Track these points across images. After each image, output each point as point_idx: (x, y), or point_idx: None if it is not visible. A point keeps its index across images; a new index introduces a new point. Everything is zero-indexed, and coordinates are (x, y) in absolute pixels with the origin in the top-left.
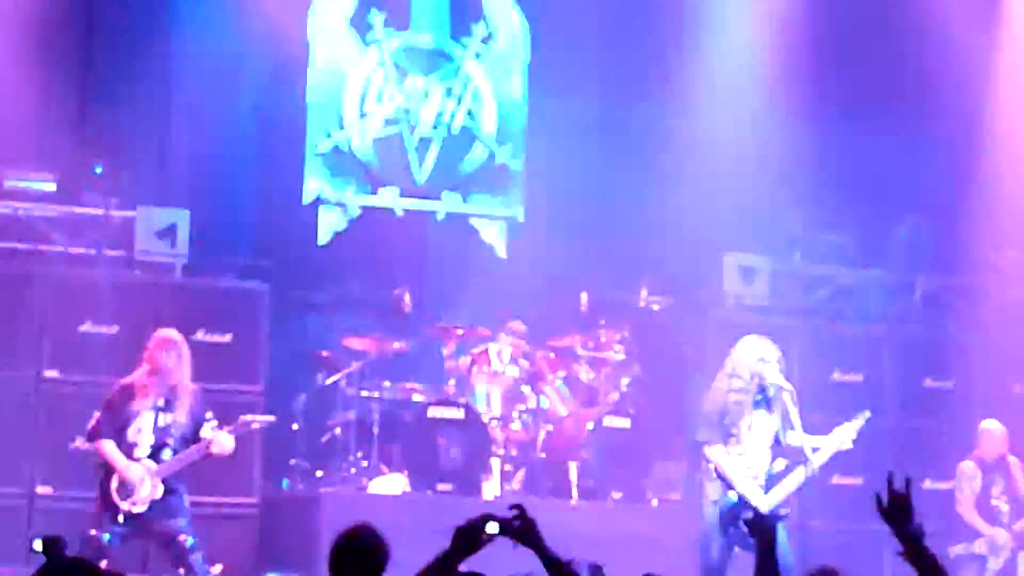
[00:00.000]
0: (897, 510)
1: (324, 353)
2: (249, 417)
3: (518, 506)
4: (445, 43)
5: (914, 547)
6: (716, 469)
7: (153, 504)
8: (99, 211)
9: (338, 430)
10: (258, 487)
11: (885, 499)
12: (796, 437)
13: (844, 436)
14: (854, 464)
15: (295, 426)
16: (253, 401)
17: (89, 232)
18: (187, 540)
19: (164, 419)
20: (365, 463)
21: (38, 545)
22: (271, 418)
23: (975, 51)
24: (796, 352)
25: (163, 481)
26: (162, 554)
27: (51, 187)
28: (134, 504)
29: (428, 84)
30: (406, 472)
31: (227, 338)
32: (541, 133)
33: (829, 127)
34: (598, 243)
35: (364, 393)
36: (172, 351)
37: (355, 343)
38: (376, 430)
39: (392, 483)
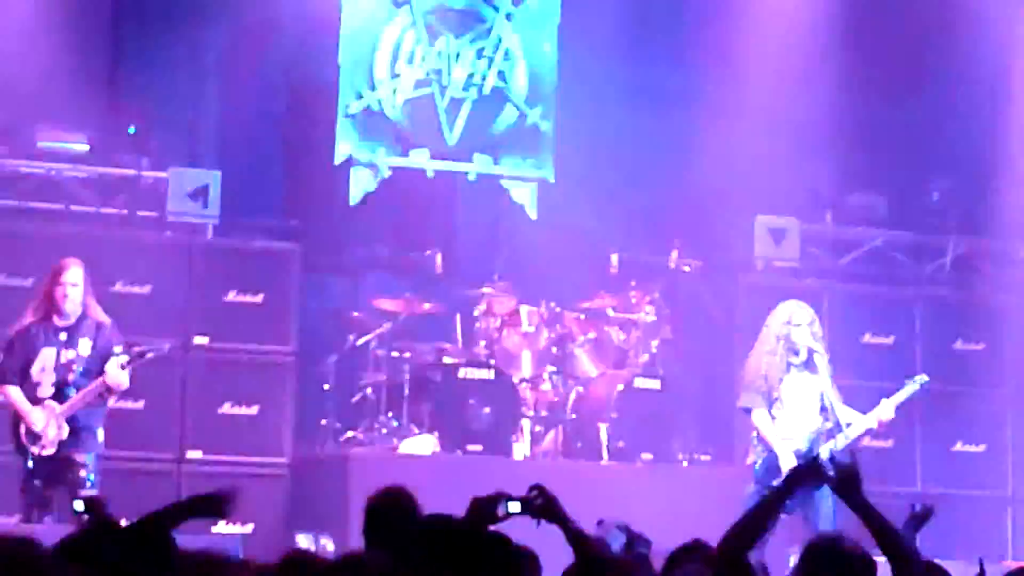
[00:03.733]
0: (846, 482)
1: (355, 314)
2: (142, 348)
3: (538, 486)
4: (477, 4)
5: (867, 515)
6: (757, 433)
7: (61, 444)
8: (131, 172)
9: (369, 391)
10: (288, 447)
11: (834, 474)
12: (836, 408)
13: (885, 410)
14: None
15: (326, 386)
16: (283, 362)
17: (121, 193)
18: (87, 476)
19: (66, 355)
20: (395, 424)
21: (79, 505)
22: (165, 347)
23: (1011, 12)
24: (826, 315)
25: (70, 419)
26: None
27: (84, 148)
28: (43, 448)
29: (459, 45)
30: (436, 433)
31: (258, 299)
32: (572, 94)
33: (861, 88)
34: (629, 205)
35: (394, 354)
36: (65, 283)
37: (385, 304)
38: (406, 391)
39: (422, 444)
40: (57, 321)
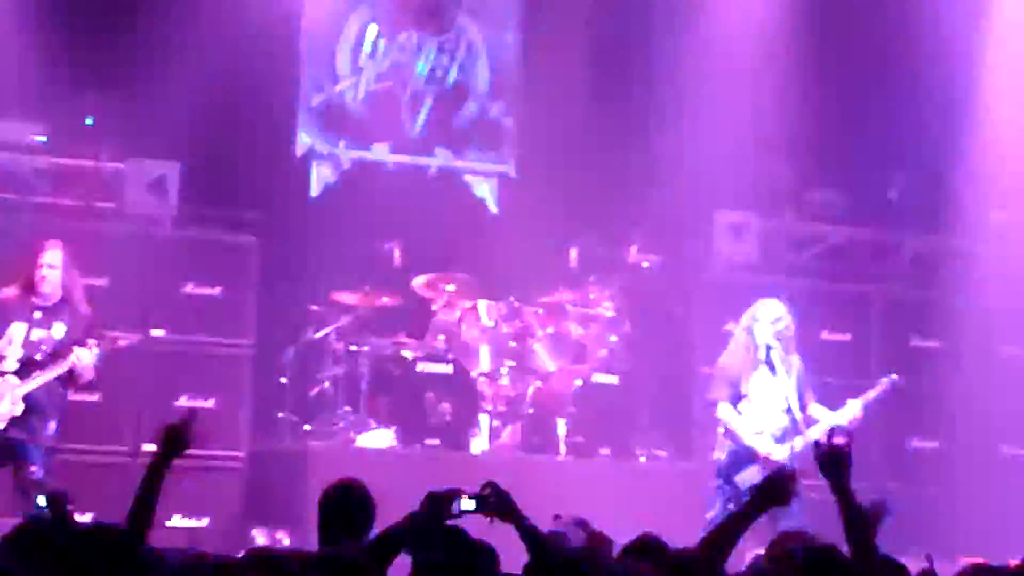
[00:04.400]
0: (834, 462)
1: (313, 307)
2: (115, 334)
3: (491, 483)
4: None
5: (845, 500)
6: (725, 428)
7: (11, 422)
8: (89, 163)
9: (327, 384)
10: (246, 440)
11: (823, 452)
12: (809, 407)
13: (853, 409)
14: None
15: (284, 380)
16: (242, 354)
17: (78, 184)
18: (37, 472)
19: (37, 334)
20: (353, 417)
21: (42, 501)
22: (135, 337)
23: (967, 11)
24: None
25: (26, 398)
26: (6, 470)
27: (41, 138)
28: None
29: (422, 39)
30: (394, 427)
31: (216, 291)
32: (534, 89)
33: (822, 85)
34: (589, 199)
35: (353, 347)
36: (43, 264)
37: (345, 297)
38: (364, 385)
39: (380, 438)
40: (35, 300)
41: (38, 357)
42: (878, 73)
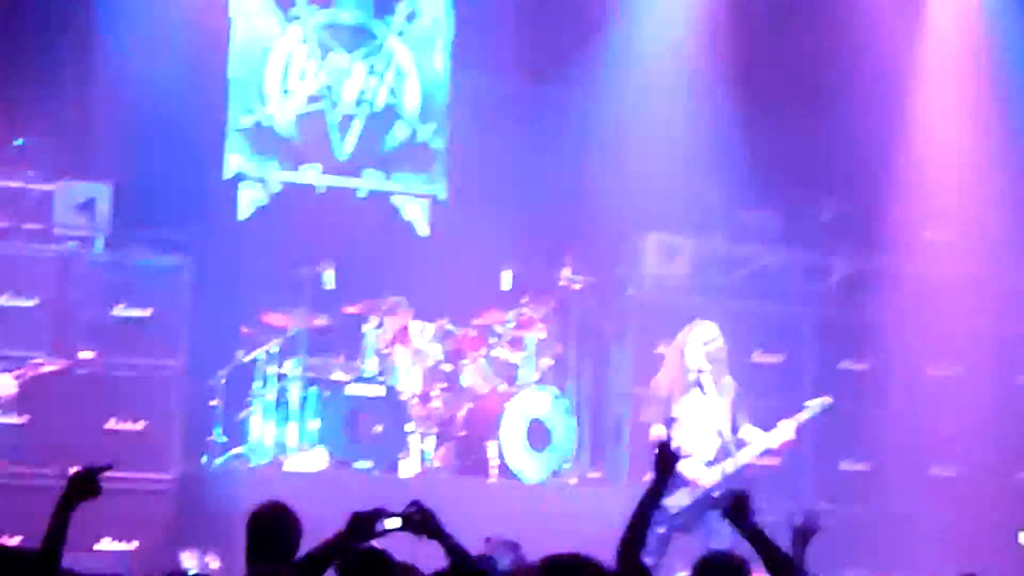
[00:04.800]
0: (737, 509)
1: (244, 329)
2: (39, 360)
3: (416, 502)
4: (368, 20)
5: (757, 539)
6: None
7: None
8: (17, 184)
9: (257, 406)
10: (175, 463)
11: (727, 501)
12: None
13: (786, 430)
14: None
15: (214, 402)
16: (172, 377)
17: (7, 205)
18: None
19: None
20: (284, 440)
21: None
22: (60, 364)
23: (897, 34)
24: None
25: None
26: None
27: None
28: None
29: (351, 61)
30: (325, 449)
31: (147, 312)
32: (464, 111)
33: (754, 107)
34: (520, 221)
35: (283, 370)
36: None
37: (275, 319)
38: (295, 407)
39: (311, 460)
40: None
41: None
42: (809, 95)
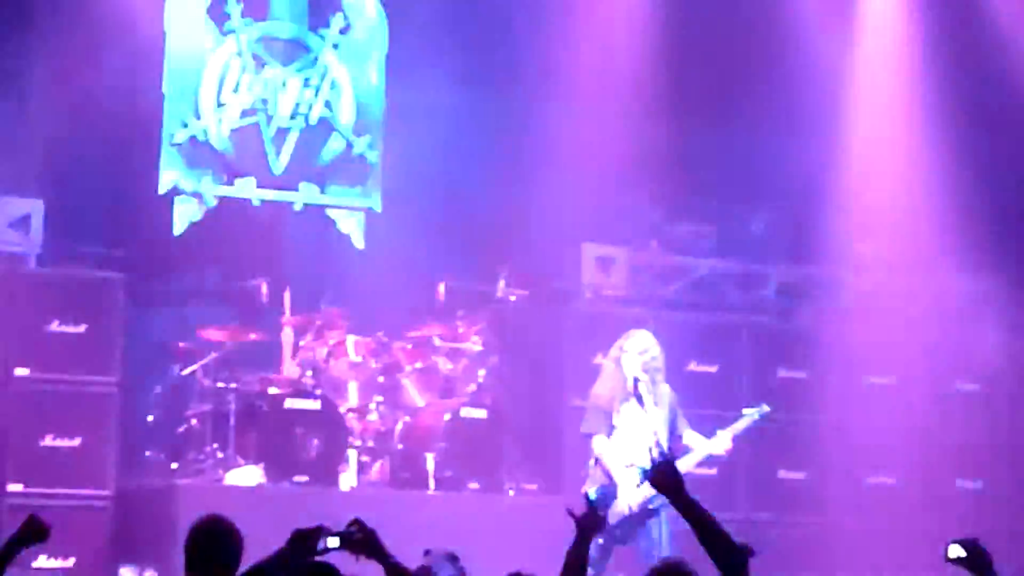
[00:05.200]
0: (664, 479)
1: (180, 344)
2: None
3: (357, 520)
4: (303, 34)
5: (691, 510)
6: (596, 459)
7: None
8: None
9: (194, 421)
10: (112, 479)
11: (651, 475)
12: (685, 437)
13: (724, 439)
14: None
15: (150, 417)
16: (107, 393)
17: None
18: None
19: None
20: (221, 455)
21: None
22: None
23: (831, 46)
24: None
25: None
26: None
27: None
28: None
29: (286, 75)
30: (263, 464)
31: (81, 329)
32: (399, 124)
33: (689, 118)
34: (456, 234)
35: (220, 384)
36: None
37: (211, 334)
38: (232, 421)
39: (249, 475)
40: None
41: None
42: (742, 108)
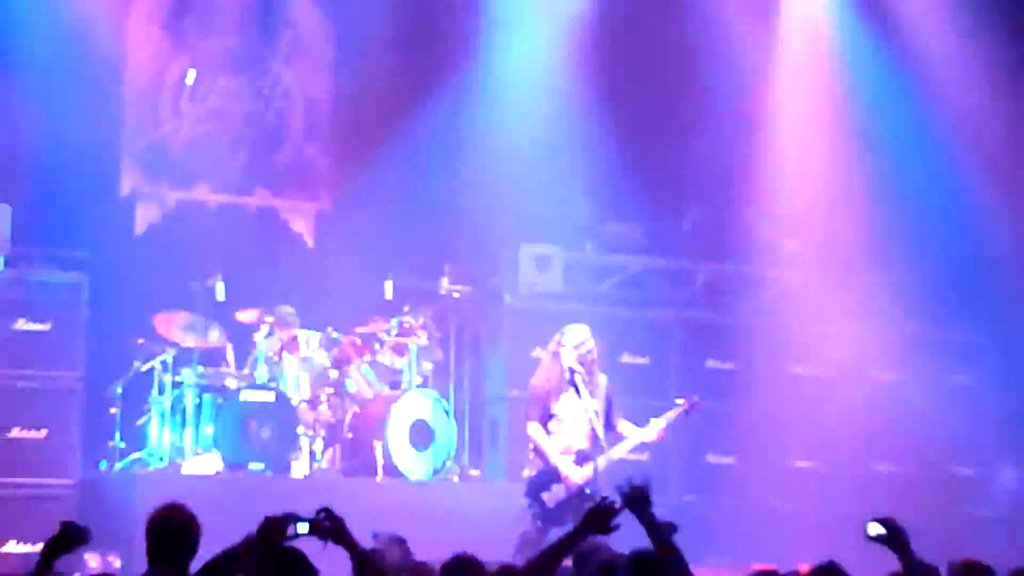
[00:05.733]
0: (637, 500)
1: (140, 340)
2: None
3: (326, 509)
4: (255, 46)
5: (654, 528)
6: (534, 445)
7: None
8: None
9: (154, 413)
10: (76, 469)
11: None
12: (619, 425)
13: (655, 427)
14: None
15: (113, 410)
16: (71, 387)
17: None
18: None
19: None
20: (180, 445)
21: None
22: None
23: (754, 50)
24: None
25: None
26: None
27: None
28: None
29: (240, 84)
30: (219, 453)
31: (46, 326)
32: (346, 131)
33: (616, 124)
34: (401, 234)
35: (178, 378)
36: None
37: (170, 330)
38: (190, 413)
39: (206, 463)
40: None
41: None
42: (669, 113)
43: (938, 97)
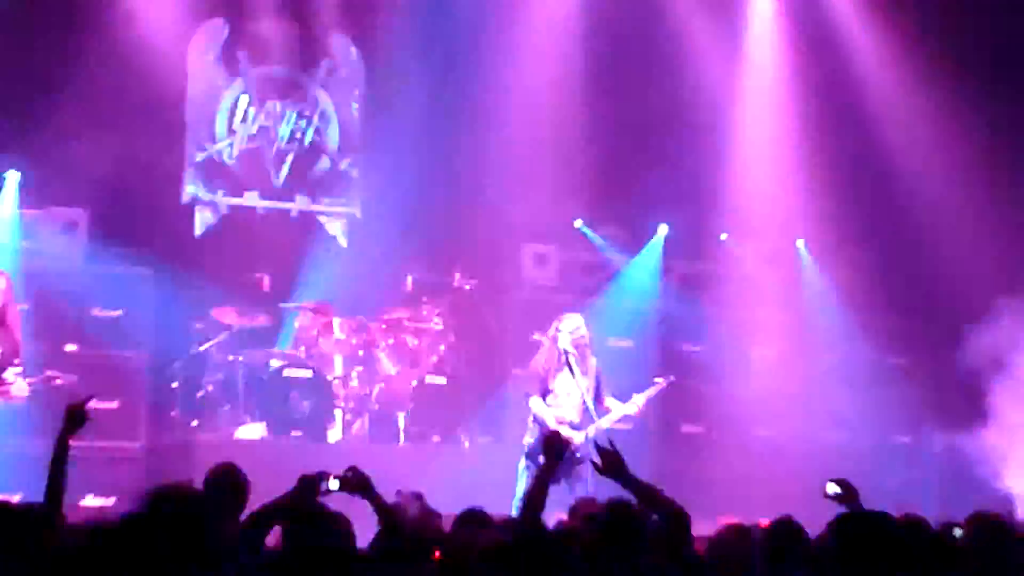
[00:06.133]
0: (612, 465)
1: (198, 325)
2: (53, 373)
3: (353, 467)
4: (297, 74)
5: (631, 484)
6: (534, 416)
7: None
8: (17, 212)
9: (210, 387)
10: (144, 434)
11: (603, 462)
12: (606, 400)
13: (637, 401)
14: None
15: (175, 384)
16: (139, 365)
17: (5, 228)
18: None
19: None
20: (232, 414)
21: None
22: (70, 379)
23: (721, 80)
24: None
25: None
26: None
27: None
28: None
29: (284, 107)
30: (265, 422)
31: (119, 313)
32: (375, 146)
33: (604, 144)
34: (420, 236)
35: (230, 357)
36: None
37: (224, 316)
38: (240, 388)
39: (254, 430)
40: None
41: None
42: (649, 135)
43: (880, 107)
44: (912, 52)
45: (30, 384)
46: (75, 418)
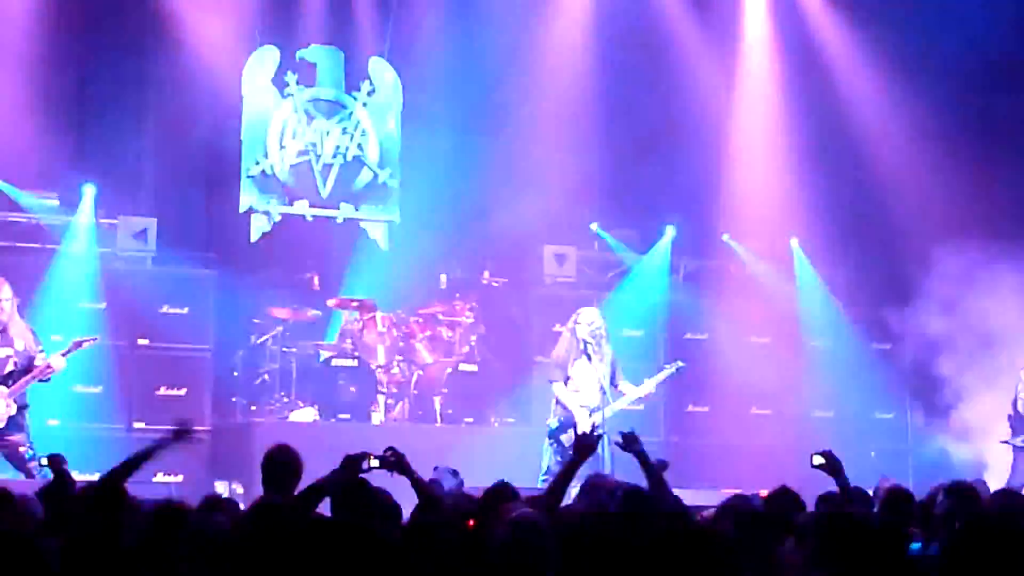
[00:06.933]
0: (629, 441)
1: (256, 320)
2: (80, 338)
3: (391, 448)
4: (341, 95)
5: (642, 460)
6: (556, 399)
7: (8, 420)
8: (91, 220)
9: (266, 376)
10: (208, 418)
11: (623, 437)
12: (620, 385)
13: (649, 385)
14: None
15: (235, 373)
16: (203, 356)
17: (84, 235)
18: (27, 452)
19: (4, 351)
20: (286, 400)
21: (44, 462)
22: (96, 338)
23: (718, 93)
24: None
25: (14, 400)
26: (9, 460)
27: (54, 202)
28: None
29: (329, 125)
30: (316, 406)
31: (184, 310)
32: (411, 159)
33: (616, 155)
34: (453, 238)
35: (285, 349)
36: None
37: (279, 312)
38: (294, 376)
39: (306, 414)
40: None
41: (10, 367)
42: (657, 143)
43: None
44: (893, 58)
45: (63, 355)
46: (181, 438)
